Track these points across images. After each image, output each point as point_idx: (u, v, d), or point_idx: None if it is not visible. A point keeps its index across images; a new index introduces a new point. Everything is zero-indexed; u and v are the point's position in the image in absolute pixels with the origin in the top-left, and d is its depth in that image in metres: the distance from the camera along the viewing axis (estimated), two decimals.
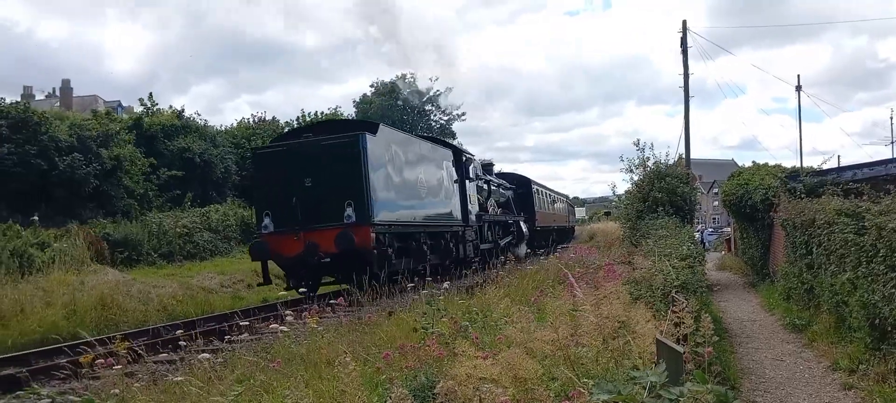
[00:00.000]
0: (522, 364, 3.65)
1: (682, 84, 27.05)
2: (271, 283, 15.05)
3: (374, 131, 14.78)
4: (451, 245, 18.81)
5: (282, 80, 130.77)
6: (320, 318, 7.05)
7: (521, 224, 27.10)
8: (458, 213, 19.57)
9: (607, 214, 57.42)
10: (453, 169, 19.68)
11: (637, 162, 19.35)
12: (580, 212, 72.38)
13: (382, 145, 14.81)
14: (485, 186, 23.54)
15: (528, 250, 26.65)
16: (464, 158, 21.04)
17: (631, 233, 17.68)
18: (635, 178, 19.60)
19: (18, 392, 4.80)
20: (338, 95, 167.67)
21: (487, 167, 26.20)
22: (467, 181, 20.52)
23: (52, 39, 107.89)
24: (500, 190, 25.91)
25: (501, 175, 29.14)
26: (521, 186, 30.62)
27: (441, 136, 51.62)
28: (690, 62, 26.95)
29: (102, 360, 5.18)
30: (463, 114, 56.27)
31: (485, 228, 22.56)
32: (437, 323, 6.13)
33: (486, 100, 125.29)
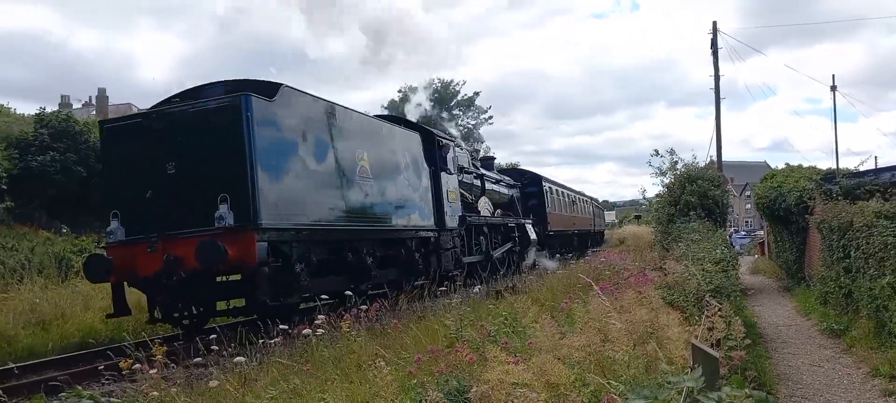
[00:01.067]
0: (554, 370, 3.67)
1: (712, 85, 26.69)
2: (130, 313, 10.68)
3: (270, 93, 10.19)
4: (418, 256, 14.54)
5: (310, 87, 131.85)
6: (352, 322, 7.13)
7: (528, 228, 22.72)
8: (427, 215, 15.00)
9: (638, 218, 56.88)
10: (422, 157, 15.02)
11: (667, 165, 19.20)
12: (610, 216, 71.79)
13: (287, 115, 10.46)
14: (476, 182, 19.52)
15: (538, 259, 22.43)
16: (440, 143, 16.38)
17: (662, 237, 17.52)
18: (665, 182, 19.45)
19: (61, 395, 4.94)
20: (365, 101, 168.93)
21: (487, 162, 23.25)
22: (444, 173, 15.96)
23: (87, 49, 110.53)
24: (500, 188, 22.08)
25: (504, 171, 26.17)
26: (531, 184, 26.21)
27: (468, 141, 51.75)
28: (720, 63, 26.59)
29: (141, 364, 5.32)
30: (490, 117, 56.29)
31: (473, 234, 18.24)
32: (465, 328, 6.16)
33: (511, 104, 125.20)
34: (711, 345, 4.36)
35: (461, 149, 18.67)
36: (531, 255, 22.07)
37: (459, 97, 54.65)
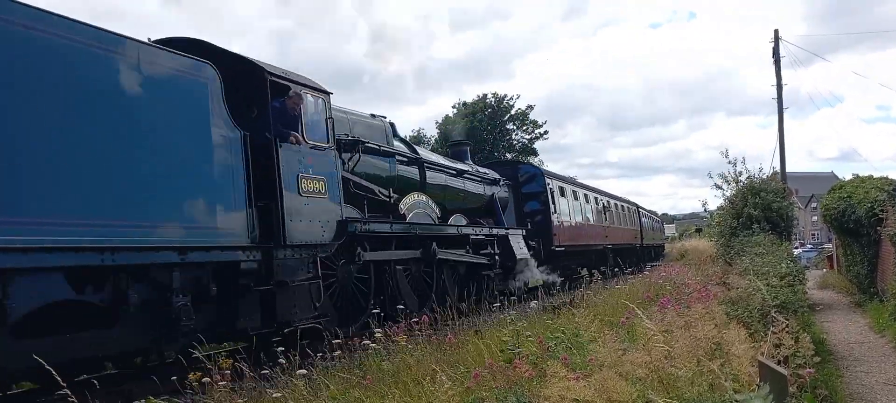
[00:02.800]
0: (615, 387, 3.63)
1: (773, 95, 25.99)
2: None
3: None
4: (182, 301, 6.87)
5: (366, 103, 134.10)
6: (408, 336, 7.19)
7: (515, 240, 15.46)
8: (234, 222, 7.52)
9: (698, 231, 55.54)
10: (218, 113, 7.44)
11: (729, 177, 18.74)
12: (669, 229, 70.28)
13: None
14: (409, 171, 12.42)
15: (541, 284, 15.50)
16: (274, 88, 8.56)
17: (724, 251, 17.10)
18: (727, 194, 18.99)
19: (135, 402, 5.10)
20: (420, 117, 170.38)
21: (458, 149, 16.56)
22: (287, 146, 8.35)
23: None
24: (465, 183, 14.70)
25: (491, 165, 18.86)
26: (530, 182, 18.96)
27: (522, 156, 51.53)
28: (783, 71, 25.87)
29: (209, 377, 5.49)
30: (545, 132, 55.93)
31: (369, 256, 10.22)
32: (523, 343, 6.13)
33: (566, 117, 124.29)
34: (778, 363, 4.24)
35: (352, 113, 11.12)
36: (526, 275, 15.84)
37: (513, 111, 54.47)
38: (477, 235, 13.98)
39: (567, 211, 20.46)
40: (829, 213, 17.85)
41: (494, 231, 14.70)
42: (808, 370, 4.43)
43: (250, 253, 7.64)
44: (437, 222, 12.75)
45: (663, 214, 77.71)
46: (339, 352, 6.83)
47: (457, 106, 55.12)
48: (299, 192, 8.32)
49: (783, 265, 9.84)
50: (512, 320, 7.07)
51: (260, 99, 8.42)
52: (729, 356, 4.20)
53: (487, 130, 52.20)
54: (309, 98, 8.94)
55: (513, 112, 54.42)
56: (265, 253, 7.85)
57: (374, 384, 5.71)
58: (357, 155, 10.32)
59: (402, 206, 11.57)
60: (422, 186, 12.68)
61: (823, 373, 6.68)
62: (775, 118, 26.06)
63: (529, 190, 18.82)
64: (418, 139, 43.42)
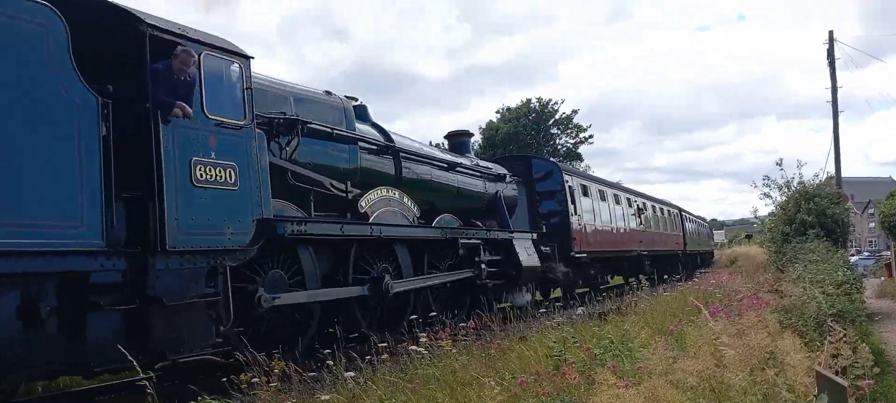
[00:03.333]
0: (666, 395, 3.58)
1: (827, 98, 25.21)
2: None
3: None
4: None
5: (408, 110, 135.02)
6: (454, 341, 7.20)
7: (521, 246, 13.03)
8: (71, 213, 5.44)
9: (749, 237, 54.27)
10: (74, 74, 5.55)
11: (781, 182, 18.30)
12: (719, 235, 68.78)
13: None
14: (382, 163, 10.31)
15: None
16: (153, 41, 6.36)
17: (776, 258, 16.69)
18: (779, 199, 18.55)
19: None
20: (463, 122, 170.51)
21: (457, 141, 14.27)
22: (170, 119, 6.30)
23: None
24: (458, 177, 12.40)
25: (501, 159, 16.99)
26: (545, 179, 16.35)
27: (567, 160, 51.12)
28: (837, 73, 25.08)
29: (258, 378, 5.59)
30: (590, 136, 55.40)
31: (315, 260, 8.38)
32: (570, 349, 6.08)
33: (611, 121, 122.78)
34: (836, 373, 4.12)
35: (297, 88, 9.13)
36: (525, 294, 13.45)
37: (557, 116, 54.10)
38: (469, 239, 11.31)
39: (591, 213, 17.81)
40: (888, 220, 17.27)
41: (493, 234, 12.26)
42: (868, 381, 4.29)
43: (107, 260, 5.65)
44: (415, 223, 10.31)
45: (712, 220, 76.08)
46: (385, 356, 6.88)
47: (501, 111, 55.00)
48: (193, 181, 6.30)
49: (839, 273, 9.55)
50: (559, 325, 7.02)
51: (134, 58, 6.34)
52: (784, 365, 4.09)
53: (531, 135, 51.97)
54: (212, 61, 6.82)
55: (557, 116, 54.08)
56: (134, 260, 5.89)
57: (421, 388, 5.73)
58: (296, 138, 8.20)
59: (363, 204, 9.16)
60: (397, 180, 10.39)
61: (883, 385, 6.45)
62: (829, 121, 25.35)
63: (545, 188, 16.25)
64: None
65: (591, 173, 21.98)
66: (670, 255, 26.67)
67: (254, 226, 6.93)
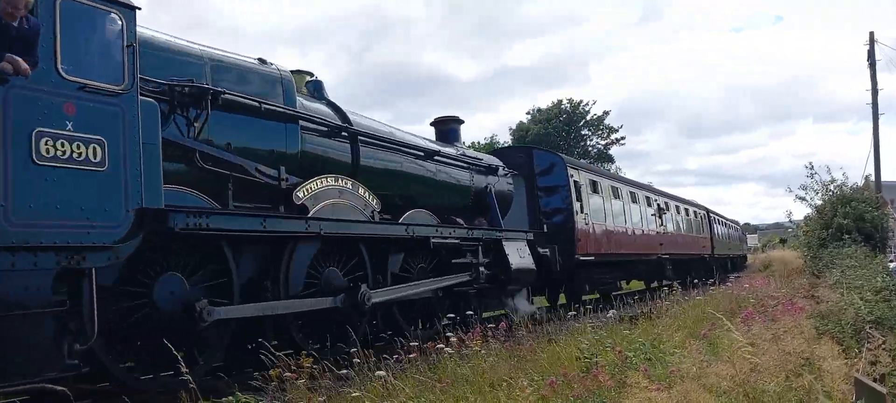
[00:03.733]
0: (699, 399, 3.54)
1: (868, 100, 24.66)
2: None
3: None
4: None
5: (439, 111, 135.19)
6: (481, 341, 7.19)
7: (512, 247, 11.25)
8: None
9: (783, 242, 53.30)
10: None
11: (817, 186, 17.96)
12: (752, 240, 67.64)
13: None
14: (337, 148, 8.79)
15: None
16: None
17: (812, 263, 16.38)
18: (815, 203, 18.20)
19: (222, 399, 5.33)
20: (493, 123, 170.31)
21: (445, 128, 12.59)
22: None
23: None
24: (439, 167, 10.86)
25: (498, 151, 15.79)
26: (548, 173, 14.63)
27: (599, 162, 50.71)
28: (878, 75, 24.52)
29: (290, 373, 5.65)
30: (622, 138, 54.93)
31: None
32: (601, 352, 6.03)
33: (643, 122, 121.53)
34: (875, 380, 4.03)
35: (217, 53, 7.51)
36: (524, 301, 11.90)
37: (588, 117, 53.78)
38: (445, 239, 9.65)
39: (601, 212, 15.97)
40: None
41: (477, 233, 10.52)
42: None
43: None
44: (376, 218, 8.73)
45: (745, 224, 74.87)
46: (414, 355, 6.90)
47: (531, 112, 54.89)
48: (35, 158, 5.07)
49: (878, 279, 9.33)
50: (590, 327, 6.98)
51: None
52: (820, 372, 4.02)
53: (562, 136, 51.73)
54: (74, 8, 5.50)
55: (588, 118, 53.76)
56: None
57: (450, 387, 5.74)
58: (205, 112, 6.65)
59: (300, 194, 7.61)
60: (353, 168, 8.81)
61: None
62: (867, 124, 24.85)
63: (547, 182, 14.48)
64: (492, 146, 43.37)
65: (605, 170, 20.31)
66: (696, 259, 24.85)
67: (131, 218, 5.57)
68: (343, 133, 8.85)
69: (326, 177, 8.08)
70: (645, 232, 19.11)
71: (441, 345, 6.99)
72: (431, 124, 12.91)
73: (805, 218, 20.52)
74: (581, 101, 53.82)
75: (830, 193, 17.65)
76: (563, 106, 53.50)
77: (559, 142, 49.58)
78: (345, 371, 6.23)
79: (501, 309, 11.40)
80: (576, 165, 15.84)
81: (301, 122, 8.02)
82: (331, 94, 9.50)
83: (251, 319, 6.91)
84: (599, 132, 54.50)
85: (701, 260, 25.48)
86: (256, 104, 7.33)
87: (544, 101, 74.45)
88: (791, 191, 18.49)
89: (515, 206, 13.07)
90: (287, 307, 7.15)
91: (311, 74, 9.32)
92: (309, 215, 7.57)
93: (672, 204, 22.92)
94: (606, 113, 54.44)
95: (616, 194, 17.45)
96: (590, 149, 53.49)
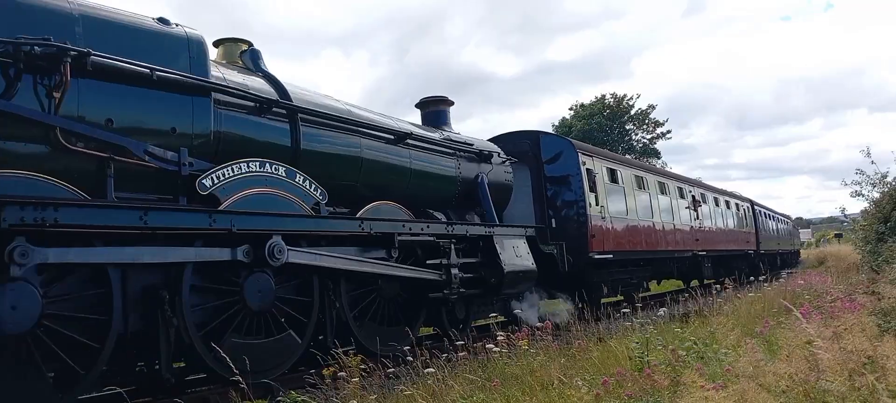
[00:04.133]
0: (756, 399, 3.49)
1: None
2: None
3: None
4: None
5: (480, 109, 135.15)
6: (530, 340, 7.19)
7: (512, 246, 9.92)
8: None
9: (838, 236, 51.72)
10: None
11: (875, 177, 17.36)
12: (805, 234, 65.82)
13: None
14: (271, 128, 7.19)
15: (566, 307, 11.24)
16: None
17: (870, 258, 15.83)
18: (873, 196, 17.60)
19: (278, 399, 5.46)
20: (534, 120, 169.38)
21: (431, 110, 11.28)
22: None
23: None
24: (416, 154, 9.33)
25: (500, 137, 13.29)
26: (555, 161, 13.02)
27: (644, 157, 49.94)
28: None
29: (342, 372, 5.76)
30: (668, 132, 54.03)
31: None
32: (653, 351, 5.97)
33: (690, 116, 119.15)
34: None
35: (92, 6, 5.88)
36: (528, 298, 10.78)
37: (633, 112, 53.04)
38: (416, 235, 8.30)
39: (621, 204, 14.33)
40: None
41: (458, 229, 9.03)
42: None
43: None
44: (320, 210, 7.14)
45: (797, 218, 72.87)
46: (463, 353, 6.93)
47: (574, 107, 54.40)
48: None
49: None
50: (641, 324, 6.91)
51: None
52: (884, 371, 3.91)
53: (605, 131, 51.15)
54: None
55: (632, 112, 53.04)
56: None
57: (501, 387, 5.76)
58: (63, 79, 5.27)
59: (206, 182, 6.13)
60: (293, 154, 7.30)
61: None
62: None
63: (555, 171, 12.92)
64: None
65: (627, 158, 18.35)
66: (738, 256, 23.03)
67: None
68: (279, 110, 7.26)
69: (247, 162, 6.54)
70: (676, 226, 17.33)
71: (490, 345, 7.03)
72: (416, 106, 11.50)
73: (862, 211, 19.86)
74: (625, 96, 53.13)
75: (890, 186, 17.03)
76: (606, 101, 52.88)
77: (602, 138, 49.06)
78: (393, 370, 6.29)
79: (502, 315, 10.40)
80: (589, 151, 14.03)
81: (216, 96, 6.51)
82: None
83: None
84: (644, 127, 53.72)
85: (744, 257, 23.89)
86: (146, 71, 5.82)
87: (587, 97, 73.77)
88: (846, 185, 17.82)
89: (518, 199, 11.86)
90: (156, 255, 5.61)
91: (250, 43, 7.98)
92: (220, 207, 6.12)
93: (710, 195, 21.19)
94: (652, 107, 53.61)
95: (640, 184, 15.75)
96: (635, 143, 52.76)
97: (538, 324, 8.49)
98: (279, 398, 5.35)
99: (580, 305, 10.92)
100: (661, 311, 9.73)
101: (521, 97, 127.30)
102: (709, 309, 10.21)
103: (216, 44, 7.96)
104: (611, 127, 52.08)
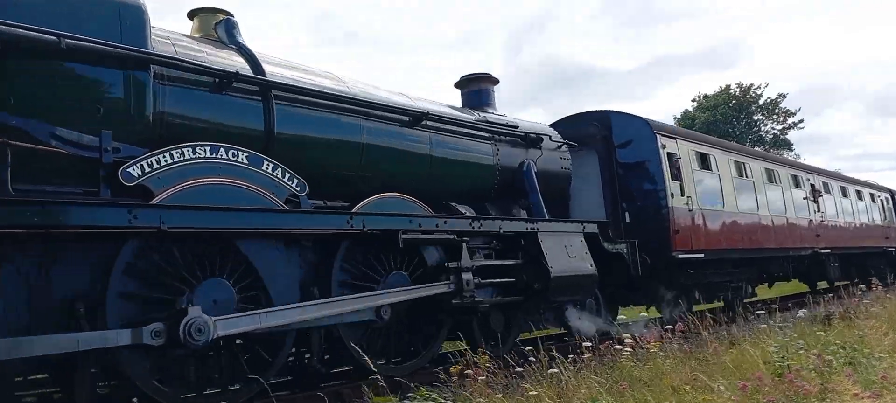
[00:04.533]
0: None
1: None
2: None
3: None
4: None
5: (594, 105, 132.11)
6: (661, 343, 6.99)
7: (565, 243, 8.25)
8: None
9: None
10: None
11: None
12: None
13: None
14: (201, 94, 5.71)
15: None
16: None
17: None
18: None
19: (409, 394, 5.64)
20: (653, 112, 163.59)
21: (473, 89, 9.73)
22: None
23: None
24: (438, 138, 7.84)
25: (563, 121, 11.71)
26: (627, 146, 11.27)
27: (774, 148, 47.02)
28: None
29: (470, 370, 5.85)
30: (801, 121, 50.61)
31: None
32: (794, 355, 5.64)
33: (825, 102, 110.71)
34: None
35: None
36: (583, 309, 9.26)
37: (762, 101, 50.09)
38: (430, 233, 6.93)
39: (715, 193, 12.35)
40: None
41: (487, 225, 7.59)
42: None
43: None
44: (298, 208, 5.98)
45: None
46: (588, 355, 6.84)
47: (697, 99, 52.13)
48: None
49: None
50: (780, 327, 6.56)
51: None
52: None
53: (731, 124, 48.68)
54: None
55: (761, 101, 50.16)
56: None
57: (629, 390, 5.65)
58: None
59: (133, 171, 4.98)
60: (266, 138, 6.09)
61: None
62: None
63: (629, 157, 11.15)
64: None
65: (721, 140, 15.67)
66: (875, 254, 20.09)
67: None
68: (249, 87, 6.04)
69: (192, 146, 5.32)
70: (790, 220, 14.93)
71: (618, 346, 6.89)
72: (455, 85, 10.00)
73: None
74: (751, 85, 50.32)
75: None
76: (731, 91, 50.32)
77: (728, 130, 46.71)
78: (519, 369, 6.30)
79: (556, 326, 9.18)
80: (670, 132, 12.01)
81: (163, 70, 5.42)
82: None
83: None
84: (774, 116, 50.65)
85: (883, 255, 20.87)
86: (53, 38, 4.65)
87: (709, 87, 70.42)
88: None
89: (584, 189, 10.50)
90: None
91: (229, 14, 6.88)
92: (152, 201, 5.00)
93: (835, 184, 18.42)
94: (782, 96, 50.42)
95: (741, 171, 13.46)
96: (765, 135, 49.89)
97: (614, 335, 7.60)
98: (409, 394, 5.50)
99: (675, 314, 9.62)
100: (801, 313, 9.17)
101: (637, 90, 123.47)
102: (854, 311, 9.51)
103: (191, 15, 6.90)
104: (737, 118, 49.50)
